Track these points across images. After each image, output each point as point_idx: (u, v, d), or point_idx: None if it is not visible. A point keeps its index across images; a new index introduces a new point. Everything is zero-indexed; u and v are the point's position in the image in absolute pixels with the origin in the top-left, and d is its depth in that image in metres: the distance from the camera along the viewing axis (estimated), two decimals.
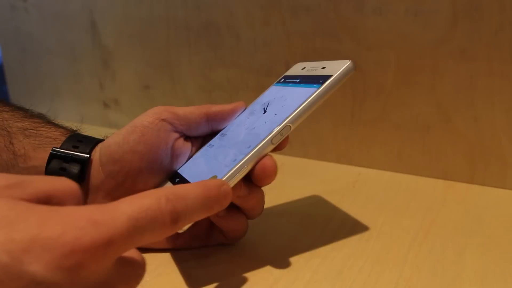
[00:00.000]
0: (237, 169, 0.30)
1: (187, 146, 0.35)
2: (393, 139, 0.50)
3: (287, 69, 0.54)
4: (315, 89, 0.31)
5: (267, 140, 0.31)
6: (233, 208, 0.33)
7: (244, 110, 0.37)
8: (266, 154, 0.31)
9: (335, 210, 0.43)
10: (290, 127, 0.31)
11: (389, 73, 0.48)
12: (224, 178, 0.30)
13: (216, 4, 0.56)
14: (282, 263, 0.34)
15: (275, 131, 0.31)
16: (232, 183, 0.30)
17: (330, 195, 0.46)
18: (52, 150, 0.33)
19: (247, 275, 0.33)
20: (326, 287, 0.31)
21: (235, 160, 0.30)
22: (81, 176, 0.33)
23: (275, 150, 0.32)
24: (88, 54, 0.70)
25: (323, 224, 0.40)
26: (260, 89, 0.57)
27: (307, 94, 0.31)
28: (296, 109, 0.31)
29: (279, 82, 0.38)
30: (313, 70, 0.35)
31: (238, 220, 0.34)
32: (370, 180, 0.49)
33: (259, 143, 0.31)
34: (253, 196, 0.32)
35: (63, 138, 0.35)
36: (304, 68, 0.37)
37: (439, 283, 0.32)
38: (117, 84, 0.69)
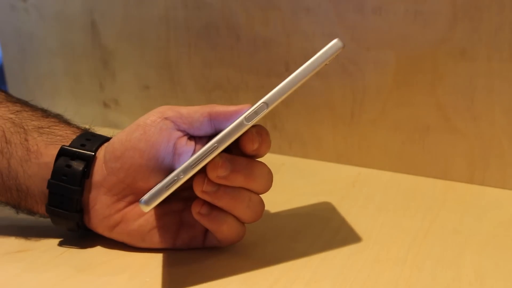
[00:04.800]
0: (207, 148, 0.30)
1: (190, 146, 0.34)
2: (393, 139, 0.50)
3: (287, 70, 0.54)
4: (298, 69, 0.30)
5: (241, 119, 0.30)
6: (217, 207, 0.33)
7: None
8: (242, 134, 0.30)
9: (334, 210, 0.43)
10: (266, 105, 0.30)
11: (389, 73, 0.48)
12: (193, 157, 0.29)
13: (216, 4, 0.56)
14: (282, 263, 0.34)
15: (249, 110, 0.30)
16: (203, 162, 0.30)
17: (330, 195, 0.46)
18: (61, 147, 0.35)
19: (247, 275, 0.33)
20: (326, 287, 0.31)
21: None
22: (86, 173, 0.35)
23: (244, 151, 0.32)
24: (88, 54, 0.70)
25: (323, 224, 0.40)
26: (260, 89, 0.57)
27: (290, 75, 0.31)
28: (274, 89, 0.30)
29: None
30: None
31: (224, 220, 0.33)
32: (370, 180, 0.49)
33: (233, 123, 0.30)
34: (236, 176, 0.32)
35: (73, 136, 0.36)
36: None
37: (439, 283, 0.32)
38: (117, 84, 0.69)
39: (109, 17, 0.66)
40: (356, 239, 0.37)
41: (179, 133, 0.34)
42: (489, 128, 0.46)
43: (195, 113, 0.34)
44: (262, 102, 0.30)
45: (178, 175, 0.30)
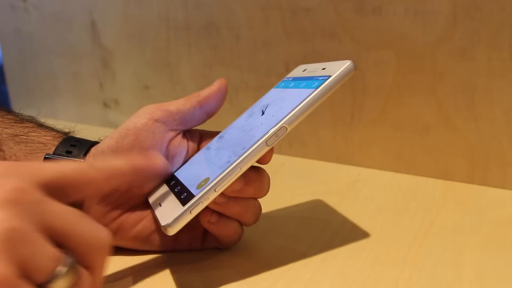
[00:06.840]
0: (230, 170, 0.30)
1: (183, 146, 0.34)
2: (393, 139, 0.50)
3: (287, 70, 0.54)
4: (313, 90, 0.31)
5: (262, 142, 0.30)
6: (224, 215, 0.33)
7: (244, 113, 0.36)
8: (261, 156, 0.30)
9: (334, 210, 0.43)
10: (286, 129, 0.30)
11: (389, 73, 0.48)
12: (216, 180, 0.29)
13: (216, 4, 0.56)
14: (281, 263, 0.34)
15: (270, 132, 0.30)
16: (226, 185, 0.30)
17: (330, 195, 0.46)
18: (46, 156, 0.33)
19: (247, 275, 0.33)
20: (326, 287, 0.31)
21: (229, 162, 0.30)
22: None
23: (259, 162, 0.32)
24: (88, 54, 0.70)
25: (323, 224, 0.40)
26: (260, 89, 0.57)
27: (305, 95, 0.31)
28: (292, 110, 0.30)
29: (279, 84, 0.38)
30: (313, 71, 0.34)
31: (230, 226, 0.33)
32: (370, 180, 0.49)
33: (253, 145, 0.30)
34: (248, 189, 0.32)
35: (56, 143, 0.34)
36: (305, 70, 0.37)
37: (439, 283, 0.32)
38: (117, 84, 0.69)
39: (109, 17, 0.66)
40: (356, 239, 0.37)
41: (172, 134, 0.34)
42: (489, 128, 0.46)
43: (184, 106, 0.34)
44: (283, 125, 0.30)
45: (202, 199, 0.29)
